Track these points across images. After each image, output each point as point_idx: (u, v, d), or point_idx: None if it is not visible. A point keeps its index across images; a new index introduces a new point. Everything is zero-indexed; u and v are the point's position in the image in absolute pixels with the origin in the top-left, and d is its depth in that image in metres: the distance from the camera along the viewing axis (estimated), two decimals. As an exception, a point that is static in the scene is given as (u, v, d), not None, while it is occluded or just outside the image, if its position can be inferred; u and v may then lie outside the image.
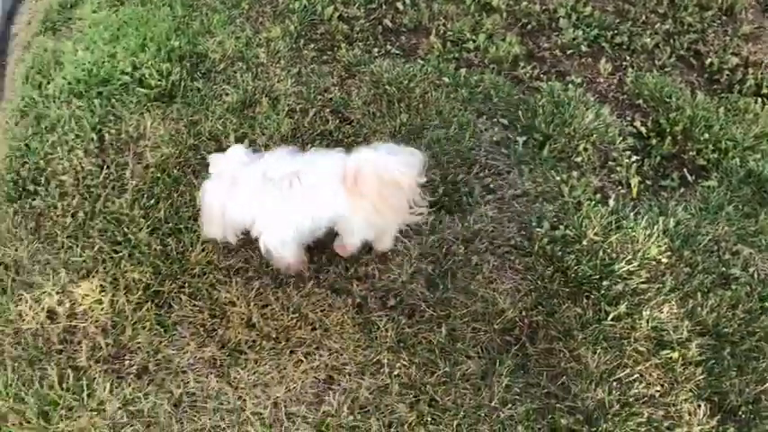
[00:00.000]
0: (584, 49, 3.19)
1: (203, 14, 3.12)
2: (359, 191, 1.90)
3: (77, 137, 2.51)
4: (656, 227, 2.40)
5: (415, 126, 2.67)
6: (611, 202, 2.48)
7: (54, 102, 2.66)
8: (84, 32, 3.02)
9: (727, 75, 3.14)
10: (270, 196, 1.93)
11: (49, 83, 2.75)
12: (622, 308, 2.16)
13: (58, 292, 2.08)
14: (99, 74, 2.73)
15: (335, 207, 1.96)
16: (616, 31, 3.30)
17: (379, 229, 2.09)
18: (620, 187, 2.60)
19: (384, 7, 3.29)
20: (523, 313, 2.15)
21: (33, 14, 3.21)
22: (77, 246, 2.18)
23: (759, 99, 3.01)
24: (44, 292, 2.07)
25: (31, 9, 3.27)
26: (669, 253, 2.33)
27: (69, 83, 2.72)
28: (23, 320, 2.02)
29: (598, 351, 2.07)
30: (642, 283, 2.24)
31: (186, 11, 3.12)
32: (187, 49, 2.90)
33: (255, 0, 3.23)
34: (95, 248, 2.18)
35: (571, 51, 3.17)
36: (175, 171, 2.42)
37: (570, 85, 2.95)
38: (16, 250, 2.19)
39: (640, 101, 2.98)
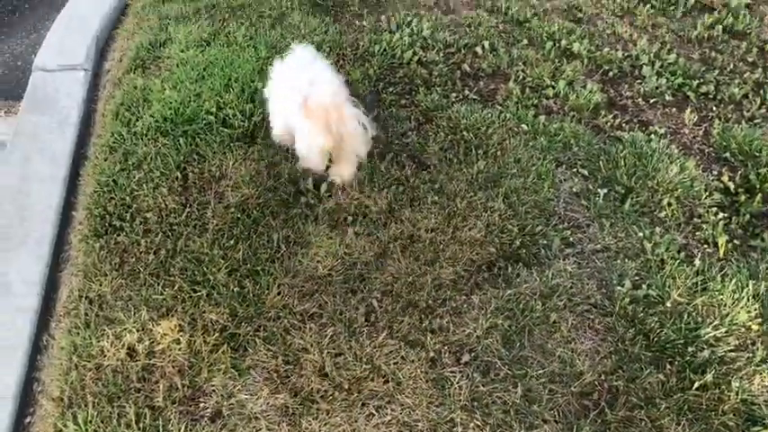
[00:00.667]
0: (667, 98, 3.10)
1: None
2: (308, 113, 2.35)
3: (162, 174, 2.59)
4: (745, 290, 2.28)
5: (492, 174, 2.64)
6: (697, 262, 2.37)
7: (141, 139, 2.75)
8: (172, 71, 3.13)
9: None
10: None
11: (137, 120, 2.86)
12: (709, 377, 2.05)
13: (138, 330, 2.12)
14: (185, 113, 2.82)
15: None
16: (702, 80, 3.20)
17: (323, 151, 2.42)
18: (705, 246, 2.49)
19: (463, 52, 3.29)
20: (603, 377, 2.06)
21: (125, 52, 3.35)
22: (158, 284, 2.23)
23: None
24: (125, 329, 2.12)
25: (122, 47, 3.41)
26: (760, 320, 2.21)
27: (156, 121, 2.81)
28: (105, 356, 2.07)
29: (682, 422, 1.97)
30: (730, 350, 2.13)
31: (270, 52, 3.19)
32: (269, 91, 2.97)
33: (337, 44, 3.28)
34: (176, 287, 2.22)
35: (654, 100, 3.09)
36: (255, 212, 2.46)
37: (653, 136, 2.87)
38: (101, 285, 2.25)
39: (727, 154, 2.86)
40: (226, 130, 2.76)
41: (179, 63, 3.17)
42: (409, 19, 3.47)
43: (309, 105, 2.36)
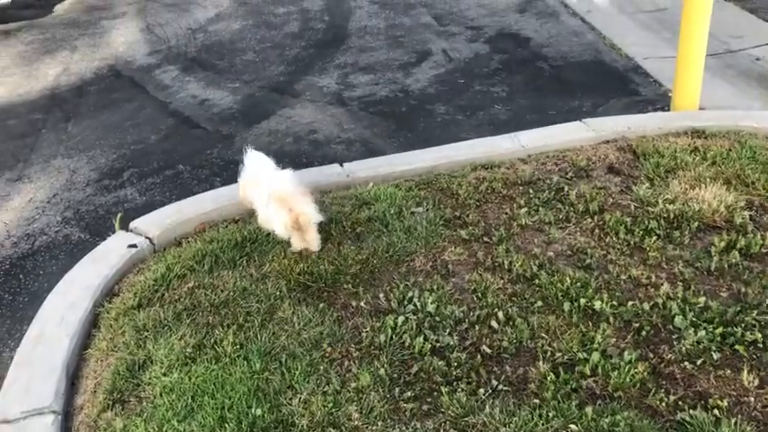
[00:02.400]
0: (714, 355, 2.78)
1: (283, 365, 2.83)
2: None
3: None
4: None
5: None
6: None
7: None
8: (155, 404, 2.72)
9: None
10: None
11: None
12: None
13: None
14: (175, 470, 2.38)
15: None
16: (743, 325, 2.90)
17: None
18: None
19: (477, 327, 2.98)
20: None
21: (99, 380, 2.96)
22: None
23: None
24: None
25: (96, 372, 3.02)
26: None
27: (142, 486, 2.35)
28: None
29: None
30: None
31: (264, 362, 2.84)
32: (270, 419, 2.56)
33: (337, 338, 2.95)
34: None
35: (701, 361, 2.76)
36: None
37: (717, 412, 2.49)
38: None
39: (806, 424, 2.49)
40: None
41: (162, 392, 2.77)
42: (410, 294, 3.19)
43: (272, 195, 3.35)
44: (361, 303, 3.19)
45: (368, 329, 3.01)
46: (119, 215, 4.06)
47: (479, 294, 3.19)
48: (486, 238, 3.59)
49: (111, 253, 3.77)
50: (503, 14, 7.45)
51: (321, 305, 3.18)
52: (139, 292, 3.40)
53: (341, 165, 4.52)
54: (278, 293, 3.26)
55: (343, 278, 3.35)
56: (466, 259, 3.47)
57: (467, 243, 3.58)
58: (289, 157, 5.02)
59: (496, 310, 3.07)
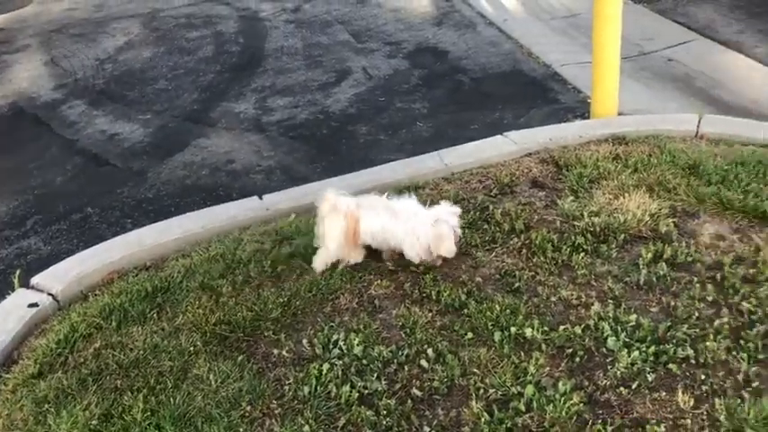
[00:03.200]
0: (649, 377, 2.70)
1: (198, 430, 2.60)
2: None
3: None
4: None
5: None
6: None
7: None
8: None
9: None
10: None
11: None
12: None
13: None
14: None
15: None
16: (675, 341, 2.84)
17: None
18: None
19: (406, 368, 2.82)
20: None
21: (-6, 466, 2.66)
22: None
23: None
24: None
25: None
26: None
27: None
28: None
29: None
30: None
31: (177, 429, 2.60)
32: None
33: (257, 394, 2.74)
34: None
35: (636, 384, 2.67)
36: None
37: (657, 439, 2.40)
38: None
39: (749, 443, 2.42)
40: None
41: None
42: (335, 337, 3.01)
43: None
44: (284, 351, 2.99)
45: (290, 381, 2.81)
46: (17, 272, 3.74)
47: (408, 330, 3.04)
48: (413, 267, 3.44)
49: (10, 315, 3.46)
50: (420, 28, 7.38)
51: (240, 357, 2.96)
52: (40, 358, 3.11)
53: (260, 197, 4.31)
54: (192, 348, 3.02)
55: (263, 324, 3.14)
56: (393, 292, 3.31)
57: (393, 274, 3.43)
58: (205, 191, 4.80)
59: (426, 346, 2.92)
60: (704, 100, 5.31)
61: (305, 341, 3.03)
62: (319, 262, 3.41)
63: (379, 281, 3.37)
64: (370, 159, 4.82)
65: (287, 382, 2.81)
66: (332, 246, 3.33)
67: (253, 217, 4.10)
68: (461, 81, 6.18)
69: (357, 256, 3.44)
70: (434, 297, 3.22)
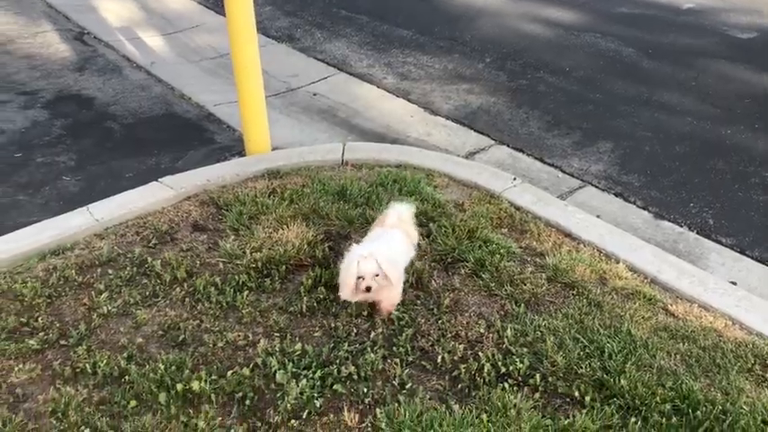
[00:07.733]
0: (317, 402, 2.77)
1: None
2: None
3: None
4: None
5: None
6: None
7: None
8: None
9: (463, 367, 2.99)
10: None
11: None
12: None
13: None
14: None
15: None
16: (338, 361, 2.97)
17: None
18: None
19: (59, 459, 2.48)
20: None
21: None
22: None
23: (504, 385, 2.88)
24: None
25: None
26: None
27: None
28: None
29: None
30: None
31: None
32: None
33: None
34: None
35: (306, 412, 2.72)
36: None
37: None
38: None
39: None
40: None
41: None
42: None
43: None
44: None
45: None
46: None
47: (60, 415, 2.68)
48: (63, 341, 3.08)
49: None
50: (59, 75, 6.77)
51: None
52: None
53: None
54: None
55: None
56: (39, 375, 2.91)
57: (39, 354, 3.02)
58: None
59: (82, 428, 2.60)
60: (347, 129, 5.76)
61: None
62: None
63: (21, 365, 2.94)
64: (8, 226, 4.22)
65: None
66: None
67: None
68: (111, 128, 5.80)
69: None
70: (90, 370, 2.91)
